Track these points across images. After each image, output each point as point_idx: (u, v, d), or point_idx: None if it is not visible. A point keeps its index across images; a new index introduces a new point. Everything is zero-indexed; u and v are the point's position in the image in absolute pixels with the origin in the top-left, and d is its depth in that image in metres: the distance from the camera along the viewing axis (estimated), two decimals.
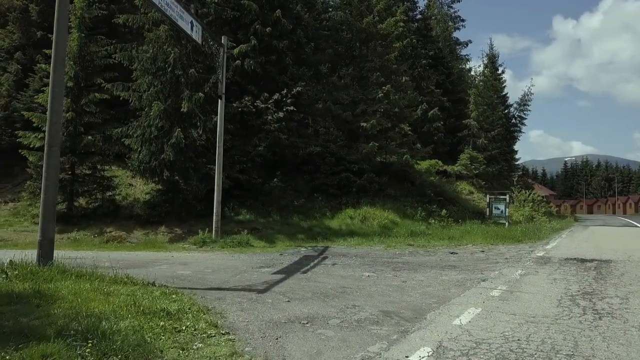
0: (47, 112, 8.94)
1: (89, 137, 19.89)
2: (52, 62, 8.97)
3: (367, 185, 23.41)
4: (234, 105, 21.93)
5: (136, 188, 22.89)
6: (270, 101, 22.34)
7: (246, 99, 21.97)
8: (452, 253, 14.51)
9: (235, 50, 22.40)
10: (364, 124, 23.73)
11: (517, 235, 19.81)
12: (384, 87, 24.56)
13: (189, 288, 8.46)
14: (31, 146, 20.14)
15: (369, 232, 19.25)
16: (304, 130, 25.35)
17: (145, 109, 19.53)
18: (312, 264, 12.10)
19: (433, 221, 22.74)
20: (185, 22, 14.25)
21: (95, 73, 21.30)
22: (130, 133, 19.50)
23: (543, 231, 22.60)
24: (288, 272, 10.63)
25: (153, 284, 8.46)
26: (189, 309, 6.48)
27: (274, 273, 10.44)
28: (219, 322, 5.96)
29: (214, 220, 17.03)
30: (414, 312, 6.62)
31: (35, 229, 19.39)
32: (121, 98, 20.21)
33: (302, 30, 25.88)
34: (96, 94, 20.31)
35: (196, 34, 14.97)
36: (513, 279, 9.48)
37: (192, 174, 19.80)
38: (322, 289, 8.43)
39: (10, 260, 8.60)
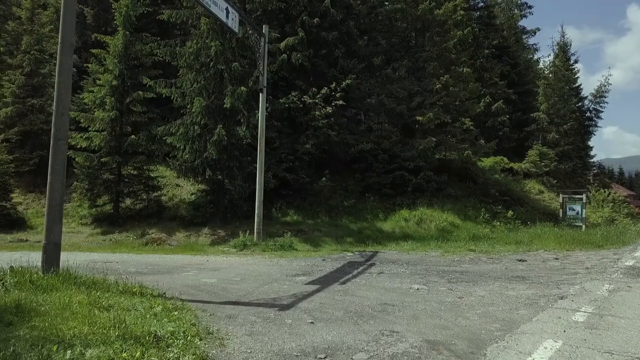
0: (54, 102, 8.08)
1: (132, 137, 19.45)
2: (58, 47, 8.13)
3: (424, 185, 21.59)
4: (281, 101, 20.85)
5: (183, 189, 22.35)
6: (319, 96, 21.08)
7: (293, 94, 20.82)
8: (520, 260, 12.57)
9: (282, 44, 21.35)
10: (420, 118, 21.94)
11: (597, 239, 17.34)
12: (442, 78, 22.63)
13: (203, 301, 7.28)
14: (78, 146, 19.98)
15: (425, 236, 17.48)
16: (355, 127, 23.90)
17: (188, 107, 18.83)
18: (355, 272, 10.65)
19: (498, 223, 20.58)
20: (220, 8, 13.23)
21: (140, 71, 20.93)
22: (173, 131, 18.87)
23: (628, 235, 19.84)
24: (324, 282, 9.24)
25: (163, 296, 7.36)
26: (184, 332, 5.24)
27: (308, 283, 9.09)
28: (211, 353, 4.69)
29: (255, 222, 15.97)
30: (469, 344, 5.05)
31: (80, 230, 19.24)
32: (164, 96, 19.62)
33: (353, 21, 24.45)
34: (140, 92, 19.85)
35: (232, 22, 13.92)
36: (600, 296, 7.60)
37: (236, 173, 18.90)
38: (359, 305, 6.99)
39: (11, 267, 7.78)
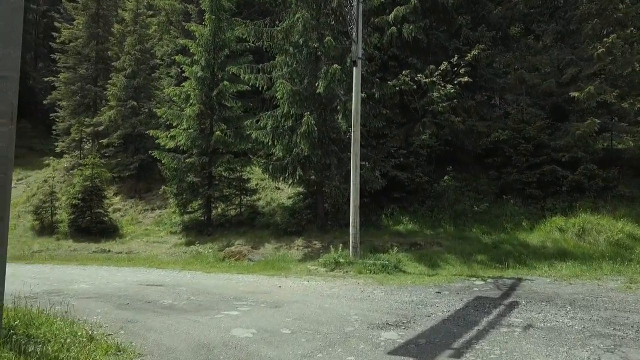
0: None
1: (217, 133, 17.05)
2: None
3: (585, 182, 16.06)
4: (390, 83, 17.03)
5: (283, 192, 19.57)
6: (437, 73, 16.85)
7: (404, 73, 16.87)
8: None
9: (391, 15, 17.54)
10: (576, 94, 16.45)
11: None
12: (605, 40, 16.91)
13: None
14: (167, 147, 18.23)
15: (592, 254, 12.33)
16: (486, 111, 19.09)
17: (277, 95, 15.95)
18: (482, 322, 6.52)
19: None
20: None
21: (231, 61, 18.62)
22: (262, 125, 16.13)
23: None
24: (426, 348, 5.35)
25: None
26: None
27: (395, 351, 5.27)
28: None
29: (350, 234, 12.39)
30: None
31: (167, 240, 17.33)
32: (250, 84, 16.97)
33: None
34: (226, 83, 17.44)
35: None
36: None
37: (333, 172, 15.54)
38: None
39: None
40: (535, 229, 14.72)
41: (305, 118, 14.27)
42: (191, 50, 18.28)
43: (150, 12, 27.01)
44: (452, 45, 18.16)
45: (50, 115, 27.21)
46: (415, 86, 17.06)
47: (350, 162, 13.38)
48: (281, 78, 15.66)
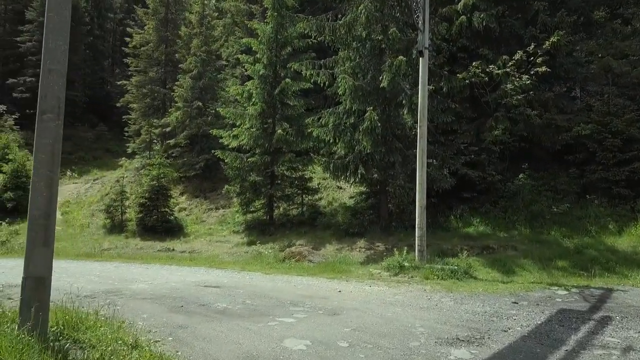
0: (42, 54, 5.18)
1: (279, 132, 16.78)
2: None
3: None
4: (459, 76, 16.02)
5: (345, 192, 19.04)
6: (510, 63, 15.65)
7: (474, 64, 15.81)
8: None
9: (460, 4, 16.54)
10: None
11: None
12: None
13: None
14: (230, 146, 18.21)
15: None
16: (566, 104, 17.52)
17: (339, 92, 15.44)
18: (571, 341, 5.63)
19: None
20: None
21: (294, 58, 18.32)
22: (323, 123, 15.67)
23: None
24: None
25: None
26: None
27: None
28: None
29: (416, 236, 11.60)
30: None
31: (229, 239, 17.29)
32: (312, 81, 16.56)
33: None
34: (287, 80, 17.13)
35: None
36: None
37: (398, 171, 14.78)
38: None
39: None
40: (625, 232, 13.22)
41: (368, 114, 13.66)
42: (254, 49, 18.18)
43: (216, 14, 27.39)
44: (527, 33, 16.83)
45: (123, 117, 28.30)
46: (486, 78, 15.95)
47: (416, 160, 12.59)
48: (343, 73, 15.15)
